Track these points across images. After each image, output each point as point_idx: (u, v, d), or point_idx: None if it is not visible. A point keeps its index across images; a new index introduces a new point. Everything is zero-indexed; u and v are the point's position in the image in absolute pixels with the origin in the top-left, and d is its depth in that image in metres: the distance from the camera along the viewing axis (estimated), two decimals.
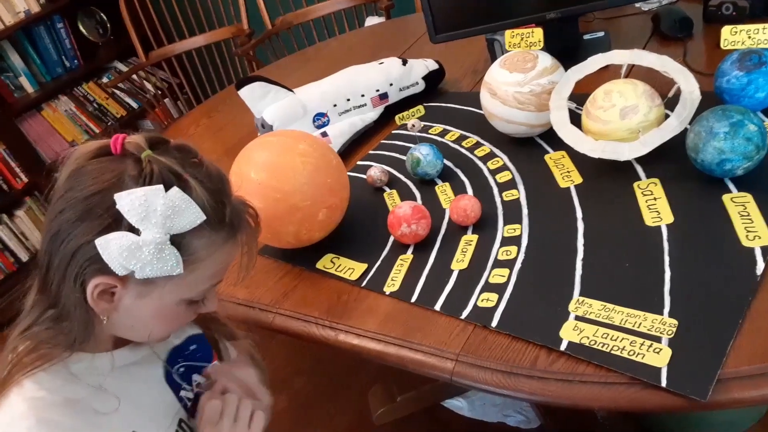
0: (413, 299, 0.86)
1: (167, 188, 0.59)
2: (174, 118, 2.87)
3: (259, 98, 1.25)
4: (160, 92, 2.70)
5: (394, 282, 0.90)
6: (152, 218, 0.59)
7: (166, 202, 0.59)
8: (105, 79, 3.00)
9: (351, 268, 0.95)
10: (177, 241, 0.61)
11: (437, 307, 0.83)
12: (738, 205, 0.80)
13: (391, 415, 1.60)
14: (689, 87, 0.90)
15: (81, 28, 2.98)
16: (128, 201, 0.59)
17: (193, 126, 1.78)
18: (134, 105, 3.06)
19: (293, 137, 0.97)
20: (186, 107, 2.89)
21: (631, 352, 0.67)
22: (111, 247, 0.59)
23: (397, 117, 1.09)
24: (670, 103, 0.93)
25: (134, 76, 2.68)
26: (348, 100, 1.29)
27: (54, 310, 0.64)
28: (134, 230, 0.59)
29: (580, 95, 1.01)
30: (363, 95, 1.30)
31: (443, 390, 1.59)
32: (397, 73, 1.33)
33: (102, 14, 3.07)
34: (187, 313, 0.70)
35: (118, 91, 2.99)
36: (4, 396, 0.61)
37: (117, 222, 0.59)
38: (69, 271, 0.61)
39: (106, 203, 0.59)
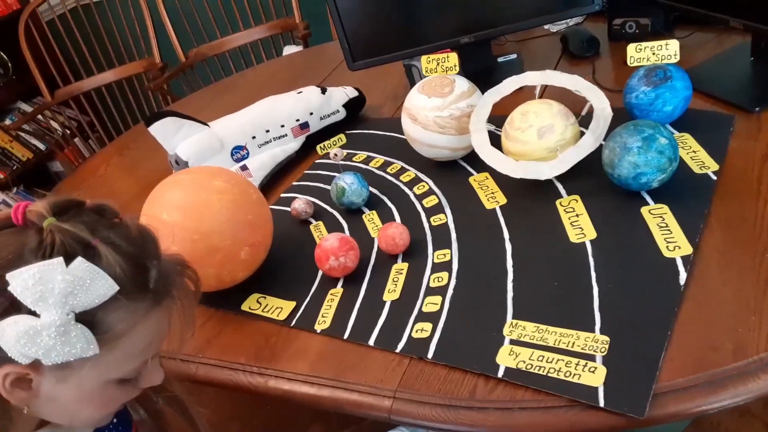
0: (346, 335, 0.82)
1: (70, 260, 0.52)
2: (85, 157, 2.73)
3: (172, 134, 1.20)
4: (68, 132, 2.56)
5: (324, 319, 0.86)
6: (49, 298, 0.51)
7: (66, 278, 0.52)
8: (8, 121, 2.82)
9: (279, 308, 0.90)
10: (86, 318, 0.53)
11: (371, 341, 0.80)
12: (656, 216, 0.81)
13: None
14: (601, 104, 0.92)
15: None
16: (21, 280, 0.51)
17: (104, 165, 1.68)
18: (41, 146, 2.89)
19: (208, 174, 0.92)
20: (98, 145, 2.75)
21: (567, 374, 0.66)
22: (6, 333, 0.52)
23: (318, 147, 1.07)
24: (584, 120, 0.95)
25: (40, 117, 2.53)
26: (267, 131, 1.25)
27: None
28: (34, 313, 0.52)
29: (497, 117, 1.02)
30: (283, 125, 1.27)
31: (385, 423, 1.55)
32: (317, 102, 1.30)
33: (1, 53, 2.90)
34: (123, 392, 0.62)
35: (22, 133, 2.82)
36: None
37: (15, 305, 0.52)
38: None
39: (3, 284, 0.52)
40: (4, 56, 2.89)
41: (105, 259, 0.54)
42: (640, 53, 0.95)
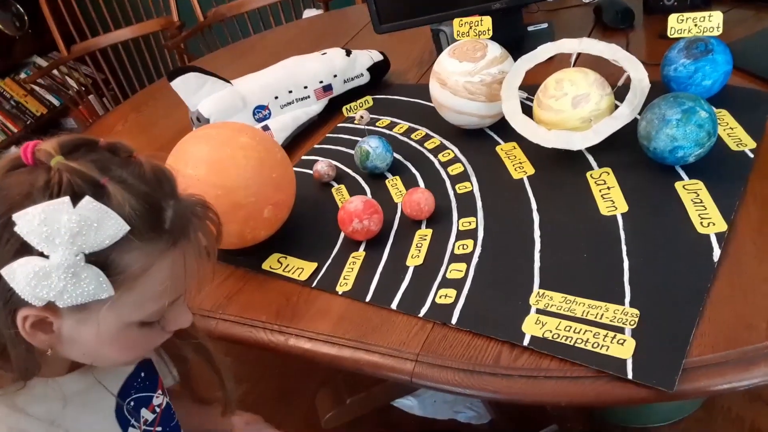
0: (368, 298, 0.81)
1: (78, 199, 0.50)
2: (99, 115, 2.71)
3: (194, 90, 1.18)
4: (83, 88, 2.54)
5: (346, 281, 0.85)
6: (56, 238, 0.50)
7: (72, 217, 0.50)
8: (23, 75, 2.80)
9: (300, 268, 0.90)
10: (98, 260, 0.52)
11: (393, 305, 0.79)
12: (690, 192, 0.80)
13: (340, 419, 1.56)
14: (638, 75, 0.89)
15: None
16: (26, 221, 0.49)
17: (121, 122, 1.67)
18: (56, 102, 2.88)
19: (234, 129, 0.91)
20: (112, 104, 2.73)
21: (595, 345, 0.65)
22: (17, 275, 0.50)
23: (344, 108, 1.05)
24: (619, 92, 0.93)
25: (55, 72, 2.51)
26: (290, 92, 1.23)
27: None
28: (42, 253, 0.51)
29: (528, 86, 1.00)
30: (306, 87, 1.25)
31: (394, 389, 1.56)
32: (341, 64, 1.28)
33: (18, 6, 2.87)
34: (147, 335, 0.61)
35: (37, 88, 2.80)
36: None
37: (26, 246, 0.50)
38: None
39: (11, 225, 0.50)
40: (21, 9, 2.87)
41: (115, 199, 0.52)
42: (681, 24, 0.92)
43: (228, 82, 1.21)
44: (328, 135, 1.23)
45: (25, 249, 0.50)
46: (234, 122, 1.05)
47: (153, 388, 0.73)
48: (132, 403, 0.69)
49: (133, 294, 0.55)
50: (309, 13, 2.38)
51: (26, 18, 2.86)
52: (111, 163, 0.55)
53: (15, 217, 0.50)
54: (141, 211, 0.53)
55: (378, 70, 1.34)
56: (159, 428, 0.74)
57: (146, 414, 0.72)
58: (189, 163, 0.86)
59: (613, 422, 1.42)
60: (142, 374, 0.72)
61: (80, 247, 0.51)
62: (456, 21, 1.04)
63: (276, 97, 1.22)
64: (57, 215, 0.50)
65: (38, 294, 0.51)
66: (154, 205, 0.55)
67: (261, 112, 1.21)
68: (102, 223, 0.51)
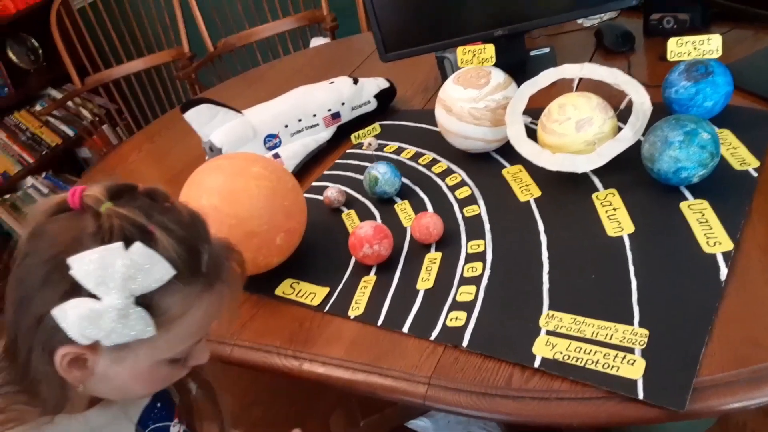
0: (379, 322, 0.83)
1: (129, 244, 0.53)
2: (113, 144, 2.77)
3: (207, 121, 1.21)
4: (97, 119, 2.60)
5: (358, 305, 0.86)
6: (110, 282, 0.53)
7: (126, 262, 0.53)
8: (38, 107, 2.87)
9: (312, 293, 0.91)
10: (145, 302, 0.55)
11: (405, 329, 0.80)
12: (696, 212, 0.81)
13: None
14: (640, 98, 0.91)
15: (10, 54, 2.84)
16: (82, 264, 0.52)
17: (135, 152, 1.71)
18: (70, 132, 2.93)
19: (247, 160, 0.93)
20: (125, 133, 2.78)
21: (606, 365, 0.66)
22: (69, 316, 0.53)
23: (353, 136, 1.07)
24: (622, 115, 0.95)
25: (69, 103, 2.57)
26: (299, 120, 1.26)
27: (25, 380, 0.58)
28: (95, 296, 0.53)
29: (532, 110, 1.02)
30: (315, 115, 1.27)
31: (407, 411, 1.56)
32: (349, 92, 1.31)
33: (33, 40, 2.95)
34: (172, 371, 0.64)
35: (52, 119, 2.87)
36: None
37: (76, 288, 0.53)
38: (36, 340, 0.55)
39: (64, 268, 0.53)
40: (36, 43, 2.94)
41: (161, 244, 0.55)
42: (681, 47, 0.94)
43: (239, 112, 1.24)
44: (337, 161, 1.26)
45: (74, 290, 0.53)
46: (246, 153, 1.08)
47: (170, 417, 0.75)
48: None
49: (169, 334, 0.58)
50: (316, 41, 2.43)
51: (41, 51, 2.94)
52: (153, 209, 0.58)
53: (70, 260, 0.52)
54: (183, 255, 0.56)
55: (385, 96, 1.36)
56: None
57: None
58: (203, 193, 0.88)
59: None
60: (159, 404, 0.73)
61: (132, 289, 0.53)
62: (460, 49, 1.07)
63: (286, 126, 1.25)
64: (111, 260, 0.52)
65: (87, 333, 0.54)
66: (193, 249, 0.58)
67: (272, 141, 1.24)
68: (151, 267, 0.54)
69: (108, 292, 0.53)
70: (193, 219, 0.60)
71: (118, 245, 0.53)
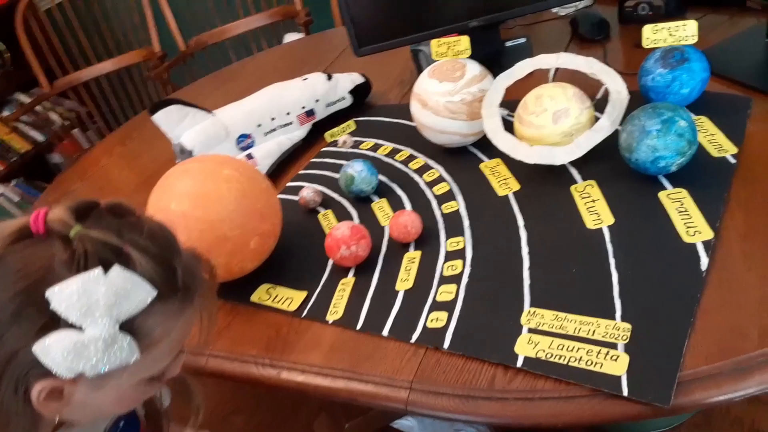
0: (359, 326, 0.81)
1: (106, 269, 0.50)
2: (84, 149, 2.71)
3: (176, 122, 1.17)
4: (67, 123, 2.53)
5: (336, 309, 0.84)
6: (95, 311, 0.50)
7: (108, 288, 0.50)
8: (6, 113, 2.79)
9: (289, 298, 0.89)
10: (127, 327, 0.52)
11: (385, 332, 0.78)
12: (675, 201, 0.80)
13: None
14: (617, 87, 0.90)
15: None
16: (63, 297, 0.49)
17: (106, 156, 1.66)
18: (40, 138, 2.86)
19: (216, 162, 0.90)
20: (97, 137, 2.73)
21: (589, 362, 0.65)
22: (51, 351, 0.50)
23: (327, 134, 1.05)
24: (599, 104, 0.93)
25: (39, 108, 2.50)
26: (273, 119, 1.23)
27: None
28: (75, 327, 0.50)
29: (509, 102, 1.00)
30: (288, 113, 1.25)
31: (392, 412, 1.54)
32: (323, 89, 1.28)
33: None
34: (148, 388, 0.62)
35: (21, 125, 2.79)
36: None
37: (54, 320, 0.50)
38: (6, 378, 0.52)
39: (38, 301, 0.50)
40: (2, 45, 2.86)
41: (138, 264, 0.52)
42: (656, 34, 0.92)
43: (210, 112, 1.21)
44: (312, 160, 1.23)
45: (52, 324, 0.50)
46: (216, 155, 1.05)
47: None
48: None
49: (151, 354, 0.56)
50: (290, 37, 2.39)
51: (7, 55, 2.86)
52: (122, 227, 0.55)
53: (49, 293, 0.49)
54: (160, 273, 0.54)
55: (360, 92, 1.34)
56: None
57: None
58: (172, 198, 0.85)
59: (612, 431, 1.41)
60: (122, 422, 0.71)
61: (116, 316, 0.51)
62: (434, 42, 1.04)
63: (259, 125, 1.22)
64: (93, 288, 0.50)
65: (72, 367, 0.51)
66: (168, 265, 0.55)
67: (245, 141, 1.21)
68: (132, 290, 0.51)
69: (94, 322, 0.50)
70: (163, 232, 0.58)
71: (97, 271, 0.50)
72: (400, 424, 1.57)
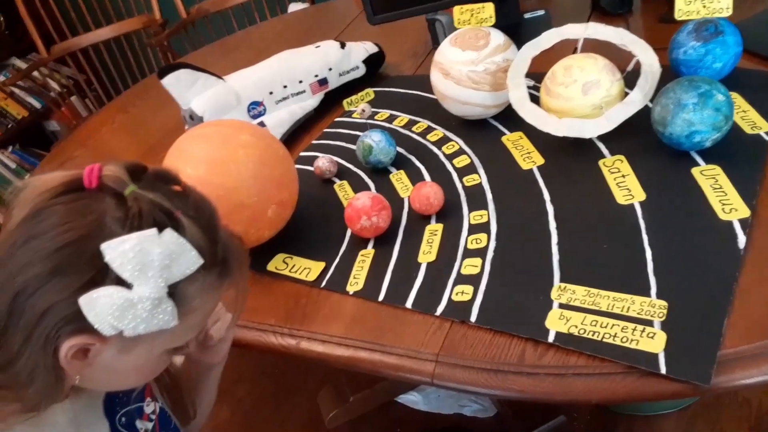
0: (380, 298, 0.78)
1: (160, 231, 0.49)
2: (82, 117, 2.65)
3: (186, 88, 1.13)
4: (65, 90, 2.47)
5: (356, 280, 0.82)
6: (149, 270, 0.49)
7: (162, 250, 0.49)
8: (1, 78, 2.73)
9: (307, 268, 0.86)
10: (171, 291, 0.51)
11: (408, 304, 0.76)
12: (709, 178, 0.78)
13: (343, 417, 1.53)
14: (649, 59, 0.87)
15: None
16: (120, 252, 0.48)
17: (108, 123, 1.62)
18: (37, 104, 2.80)
19: (233, 127, 0.87)
20: (95, 104, 2.67)
21: (624, 339, 0.63)
22: (99, 305, 0.49)
23: (345, 102, 1.01)
24: (628, 77, 0.90)
25: (35, 74, 2.44)
26: (285, 87, 1.20)
27: (9, 372, 0.52)
28: (123, 283, 0.49)
29: (533, 74, 0.97)
30: (301, 81, 1.21)
31: (397, 386, 1.54)
32: (336, 57, 1.24)
33: None
34: (167, 360, 0.61)
35: (17, 90, 2.73)
36: None
37: (101, 275, 0.49)
38: (37, 332, 0.50)
39: (87, 254, 0.49)
40: None
41: (188, 231, 0.51)
42: (689, 6, 0.89)
43: (220, 78, 1.17)
44: (325, 130, 1.20)
45: (99, 278, 0.49)
46: (232, 120, 1.02)
47: (140, 398, 0.70)
48: (123, 420, 0.66)
49: (184, 323, 0.54)
50: (294, 6, 2.34)
51: (2, 19, 2.78)
52: (172, 193, 0.54)
53: (104, 247, 0.48)
54: (205, 243, 0.53)
55: (373, 62, 1.30)
56: None
57: (144, 424, 0.69)
58: (188, 163, 0.82)
59: (619, 411, 1.41)
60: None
61: (166, 279, 0.50)
62: (456, 8, 1.01)
63: (271, 93, 1.19)
64: (149, 247, 0.49)
65: (116, 324, 0.50)
66: (212, 237, 0.55)
67: (256, 109, 1.17)
68: (182, 255, 0.51)
69: (146, 282, 0.49)
70: (207, 204, 0.57)
71: (153, 231, 0.49)
72: (406, 399, 1.57)
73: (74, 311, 0.49)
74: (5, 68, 2.78)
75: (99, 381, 0.59)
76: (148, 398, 0.71)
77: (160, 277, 0.50)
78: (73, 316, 0.50)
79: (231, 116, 1.14)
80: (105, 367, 0.55)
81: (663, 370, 0.59)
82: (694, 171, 0.79)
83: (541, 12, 1.31)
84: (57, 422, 0.58)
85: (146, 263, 0.49)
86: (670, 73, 0.93)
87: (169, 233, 0.50)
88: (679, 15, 0.90)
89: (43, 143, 2.86)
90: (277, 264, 0.89)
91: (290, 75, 1.21)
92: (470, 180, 0.93)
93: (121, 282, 0.49)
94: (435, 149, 1.03)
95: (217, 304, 0.60)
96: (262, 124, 1.17)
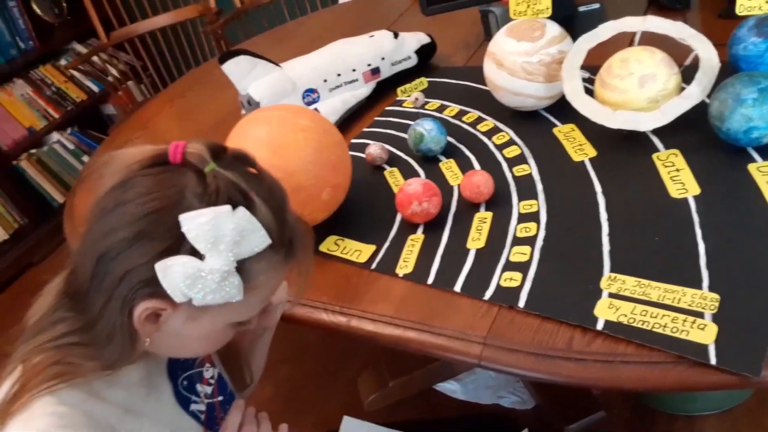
0: (429, 281, 0.81)
1: (234, 208, 0.53)
2: (138, 101, 2.74)
3: (245, 73, 1.17)
4: (123, 75, 2.56)
5: (406, 263, 0.84)
6: (220, 244, 0.53)
7: (235, 226, 0.53)
8: (63, 62, 2.84)
9: (358, 250, 0.89)
10: (239, 267, 0.55)
11: (457, 288, 0.78)
12: (765, 174, 0.77)
13: (382, 401, 1.56)
14: (707, 54, 0.86)
15: (35, 7, 2.80)
16: (196, 224, 0.52)
17: (167, 107, 1.68)
18: (95, 88, 2.91)
19: (293, 112, 0.90)
20: (150, 90, 2.76)
21: (674, 329, 0.64)
22: (173, 272, 0.53)
23: (399, 89, 1.03)
24: (685, 72, 0.90)
25: (95, 58, 2.54)
26: (339, 75, 1.22)
27: (91, 331, 0.57)
28: (197, 254, 0.53)
29: (587, 66, 0.97)
30: (354, 70, 1.24)
31: (437, 373, 1.56)
32: (389, 47, 1.26)
33: None
34: (231, 333, 0.64)
35: (77, 74, 2.84)
36: (21, 409, 0.54)
37: (177, 244, 0.53)
38: (116, 293, 0.54)
39: (167, 223, 0.53)
40: None
41: (260, 211, 0.55)
42: (751, 1, 0.88)
43: (277, 65, 1.20)
44: (376, 118, 1.22)
45: (175, 247, 0.53)
46: (291, 104, 1.05)
47: (201, 364, 0.74)
48: (185, 383, 0.70)
49: (249, 299, 0.58)
50: None
51: (65, 5, 2.89)
52: (248, 175, 0.57)
53: (182, 218, 0.52)
54: (275, 224, 0.56)
55: (425, 53, 1.32)
56: (220, 398, 0.75)
57: (204, 388, 0.73)
58: (250, 145, 0.85)
59: (659, 410, 1.40)
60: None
61: (236, 254, 0.54)
62: (512, 0, 1.02)
63: (325, 81, 1.21)
64: (223, 222, 0.52)
65: (187, 292, 0.54)
66: (281, 220, 0.58)
67: (310, 96, 1.21)
68: (252, 233, 0.54)
69: (217, 254, 0.53)
70: (279, 188, 0.60)
71: (227, 208, 0.53)
72: (444, 387, 1.59)
73: (151, 276, 0.53)
74: (66, 52, 2.89)
75: (166, 346, 0.62)
76: (207, 364, 0.75)
77: (230, 251, 0.53)
78: (149, 280, 0.53)
79: (287, 102, 1.18)
80: (173, 333, 0.59)
81: (713, 361, 0.60)
82: (751, 167, 0.79)
83: (596, 5, 1.31)
84: (130, 380, 0.63)
85: (218, 237, 0.52)
86: (729, 69, 0.92)
87: (242, 211, 0.53)
88: (740, 10, 0.89)
89: (100, 126, 2.97)
90: (329, 246, 0.92)
91: (344, 64, 1.23)
92: (520, 170, 0.94)
93: (194, 253, 0.53)
94: (485, 139, 1.05)
95: (280, 284, 0.64)
96: (315, 111, 1.20)
